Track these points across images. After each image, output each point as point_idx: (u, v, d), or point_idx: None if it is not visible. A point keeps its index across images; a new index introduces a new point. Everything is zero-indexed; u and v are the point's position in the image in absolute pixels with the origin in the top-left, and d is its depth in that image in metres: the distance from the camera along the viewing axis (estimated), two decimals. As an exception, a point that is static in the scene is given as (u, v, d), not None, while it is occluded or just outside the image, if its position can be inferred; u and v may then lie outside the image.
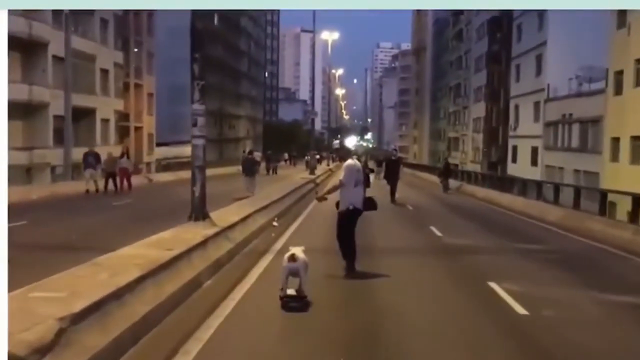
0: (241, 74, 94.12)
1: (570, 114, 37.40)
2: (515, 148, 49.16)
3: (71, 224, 15.00)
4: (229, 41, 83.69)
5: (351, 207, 9.38)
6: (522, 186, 26.63)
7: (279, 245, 11.90)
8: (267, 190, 23.43)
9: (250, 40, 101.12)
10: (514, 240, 15.06)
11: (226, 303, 7.21)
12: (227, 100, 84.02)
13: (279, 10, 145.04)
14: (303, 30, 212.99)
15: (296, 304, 7.21)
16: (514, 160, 48.96)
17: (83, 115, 38.91)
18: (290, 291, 7.28)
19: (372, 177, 22.84)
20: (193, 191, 10.87)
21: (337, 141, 41.32)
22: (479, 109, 64.10)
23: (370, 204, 9.86)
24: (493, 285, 8.84)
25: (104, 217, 16.95)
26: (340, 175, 9.71)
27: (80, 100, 36.90)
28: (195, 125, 11.12)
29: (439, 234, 15.11)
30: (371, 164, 43.50)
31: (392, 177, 24.58)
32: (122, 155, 27.02)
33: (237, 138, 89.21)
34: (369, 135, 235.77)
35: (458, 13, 76.21)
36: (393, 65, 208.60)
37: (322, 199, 10.45)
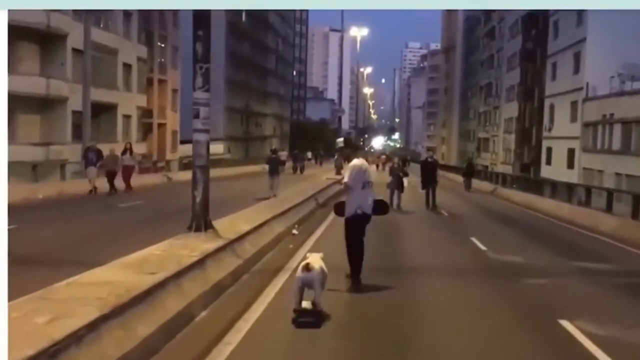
0: (268, 72, 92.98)
1: (612, 114, 35.40)
2: (549, 149, 47.15)
3: (65, 229, 13.69)
4: (256, 38, 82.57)
5: (359, 212, 8.45)
6: (567, 190, 24.92)
7: (296, 259, 10.43)
8: (291, 191, 22.39)
9: (278, 38, 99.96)
10: (573, 258, 12.76)
11: (219, 350, 5.52)
12: (253, 98, 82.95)
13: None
14: (332, 30, 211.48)
15: (309, 319, 6.49)
16: (548, 162, 46.94)
17: (104, 111, 37.92)
18: (306, 304, 6.60)
19: (405, 181, 21.20)
20: (194, 196, 9.39)
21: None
22: (510, 109, 62.05)
23: (379, 207, 8.98)
24: (565, 324, 6.88)
25: (103, 222, 15.42)
26: (345, 177, 8.74)
27: (101, 95, 35.91)
28: (197, 116, 9.49)
29: (482, 247, 13.21)
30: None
31: (429, 181, 22.28)
32: (124, 152, 25.08)
33: (264, 136, 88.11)
34: (396, 136, 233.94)
35: (489, 11, 74.08)
36: (422, 65, 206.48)
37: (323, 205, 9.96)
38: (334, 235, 11.66)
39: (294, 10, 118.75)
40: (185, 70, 62.83)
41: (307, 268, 6.61)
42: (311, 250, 11.30)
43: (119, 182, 23.98)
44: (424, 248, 13.30)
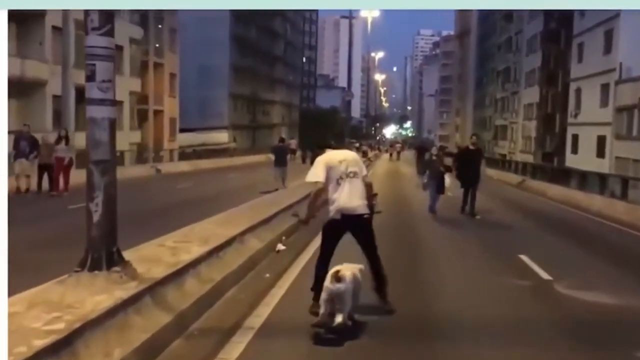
0: (277, 58, 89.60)
1: (650, 97, 31.99)
2: (575, 137, 43.62)
3: None
4: (263, 23, 79.14)
5: (337, 217, 6.40)
6: (605, 183, 21.48)
7: (273, 298, 7.22)
8: (298, 183, 19.29)
9: (287, 23, 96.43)
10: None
11: None
12: (261, 85, 79.74)
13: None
14: (343, 17, 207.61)
15: (333, 336, 5.68)
16: (574, 151, 43.43)
17: (92, 97, 34.84)
18: (339, 319, 5.67)
19: (447, 178, 16.28)
20: (89, 212, 5.57)
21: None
22: (531, 95, 58.53)
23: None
24: None
25: (32, 233, 11.20)
26: (311, 176, 6.59)
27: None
28: (91, 77, 5.62)
29: (543, 274, 9.11)
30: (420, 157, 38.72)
31: (469, 177, 16.14)
32: (58, 141, 19.53)
33: (271, 124, 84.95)
34: (408, 124, 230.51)
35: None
36: (434, 52, 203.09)
37: (305, 222, 6.98)
38: (340, 250, 6.92)
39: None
40: (188, 57, 60.05)
41: (337, 278, 5.78)
42: (298, 282, 8.18)
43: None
44: (455, 275, 9.10)
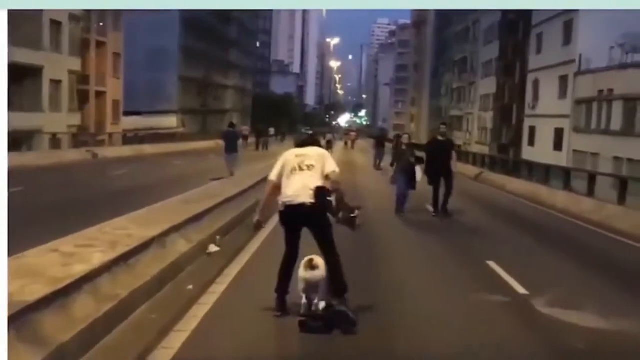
0: (230, 41, 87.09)
1: (611, 90, 31.11)
2: (532, 129, 42.86)
3: None
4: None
5: (282, 209, 6.05)
6: (565, 176, 20.32)
7: (187, 329, 5.58)
8: (248, 171, 18.43)
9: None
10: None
11: None
12: (213, 69, 77.35)
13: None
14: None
15: (317, 323, 5.52)
16: (531, 143, 42.68)
17: (26, 75, 32.49)
18: (322, 305, 5.65)
19: (419, 171, 14.12)
20: None
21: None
22: (487, 85, 57.69)
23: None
24: None
25: None
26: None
27: (22, 55, 30.49)
28: None
29: (517, 286, 7.70)
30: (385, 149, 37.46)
31: (438, 172, 14.25)
32: None
33: (223, 110, 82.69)
34: (362, 113, 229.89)
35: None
36: (390, 41, 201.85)
37: (258, 226, 6.84)
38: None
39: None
40: (136, 37, 57.43)
41: (311, 266, 5.68)
42: (229, 293, 6.65)
43: None
44: (417, 290, 7.63)
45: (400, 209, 14.12)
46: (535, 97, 42.71)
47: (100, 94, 43.24)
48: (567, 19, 36.95)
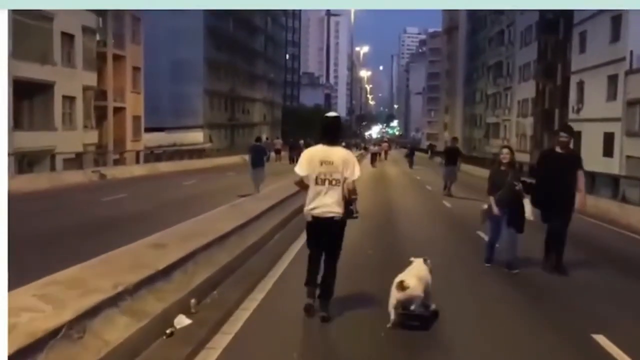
0: (257, 53, 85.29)
1: (670, 88, 28.15)
2: (578, 134, 39.74)
3: None
4: (240, 15, 74.82)
5: (309, 219, 6.61)
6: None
7: None
8: (273, 187, 16.90)
9: (267, 17, 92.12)
10: None
11: None
12: (240, 82, 75.50)
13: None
14: (329, 15, 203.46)
15: (415, 322, 6.13)
16: (577, 150, 39.60)
17: (36, 92, 30.76)
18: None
19: (527, 205, 9.31)
20: None
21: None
22: (525, 90, 54.74)
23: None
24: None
25: None
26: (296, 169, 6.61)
27: (31, 70, 28.73)
28: None
29: None
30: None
31: (557, 202, 9.22)
32: None
33: (252, 123, 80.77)
34: (394, 123, 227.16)
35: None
36: (420, 50, 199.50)
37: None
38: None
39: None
40: (160, 50, 55.72)
41: (402, 287, 6.06)
42: None
43: None
44: None
45: (489, 259, 9.69)
46: (580, 100, 39.69)
47: (119, 110, 41.35)
48: (615, 14, 34.03)
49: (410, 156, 50.25)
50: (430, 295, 6.32)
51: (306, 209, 6.56)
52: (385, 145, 67.02)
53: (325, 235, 6.52)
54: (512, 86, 60.73)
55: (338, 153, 6.42)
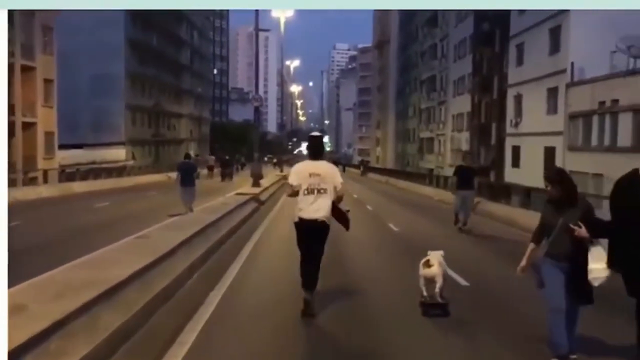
0: (182, 67, 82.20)
1: (615, 100, 26.94)
2: (516, 149, 38.62)
3: None
4: (165, 27, 71.68)
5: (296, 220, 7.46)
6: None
7: None
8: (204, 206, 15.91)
9: (194, 30, 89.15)
10: None
11: None
12: (165, 96, 72.30)
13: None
14: (258, 30, 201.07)
15: (437, 310, 7.34)
16: (516, 164, 38.43)
17: None
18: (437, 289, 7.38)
19: (598, 258, 5.65)
20: None
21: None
22: (460, 104, 53.73)
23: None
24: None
25: None
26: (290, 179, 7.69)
27: None
28: None
29: None
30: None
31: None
32: None
33: (178, 139, 77.63)
34: (325, 139, 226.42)
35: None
36: (350, 65, 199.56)
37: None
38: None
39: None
40: (78, 63, 52.20)
41: (428, 264, 7.45)
42: None
43: None
44: None
45: (561, 346, 5.69)
46: (518, 113, 38.57)
47: (29, 125, 37.69)
48: (553, 25, 32.99)
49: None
50: (447, 282, 7.56)
51: (297, 214, 7.33)
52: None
53: (313, 236, 7.35)
54: (446, 100, 59.78)
55: (323, 166, 7.51)
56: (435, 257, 7.42)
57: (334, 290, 8.63)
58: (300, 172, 7.45)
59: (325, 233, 7.41)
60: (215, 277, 9.28)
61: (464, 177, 17.58)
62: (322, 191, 7.27)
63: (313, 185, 7.27)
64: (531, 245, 6.06)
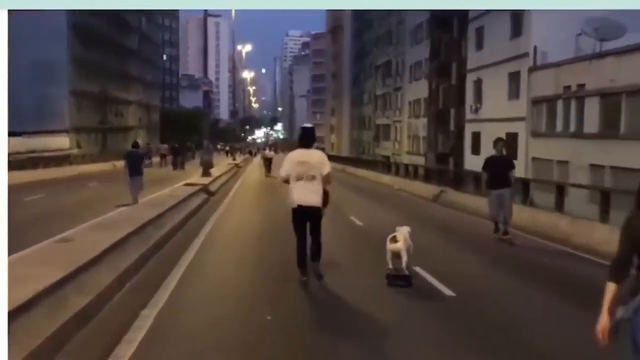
0: (130, 53, 79.18)
1: (581, 85, 26.00)
2: (476, 135, 37.64)
3: None
4: (111, 11, 68.65)
5: (294, 206, 8.23)
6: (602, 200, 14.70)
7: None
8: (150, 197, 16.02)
9: (142, 15, 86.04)
10: None
11: None
12: (112, 83, 69.41)
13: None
14: (208, 15, 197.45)
15: (400, 281, 8.03)
16: (476, 151, 37.40)
17: None
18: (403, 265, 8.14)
19: None
20: None
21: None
22: (417, 90, 52.63)
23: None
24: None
25: None
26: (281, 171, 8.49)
27: None
28: None
29: None
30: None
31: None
32: None
33: (126, 127, 74.95)
34: (278, 126, 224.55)
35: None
36: (304, 52, 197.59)
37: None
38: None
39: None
40: (19, 50, 49.27)
41: (395, 240, 8.15)
42: None
43: None
44: None
45: None
46: (478, 99, 37.61)
47: (-39, 113, 35.17)
48: (514, 8, 31.99)
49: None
50: (411, 255, 8.31)
51: (291, 199, 8.17)
52: (270, 153, 55.16)
53: (307, 218, 8.19)
54: (402, 86, 58.64)
55: (313, 155, 8.31)
56: (402, 233, 8.19)
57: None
58: (292, 160, 8.24)
59: (318, 217, 8.24)
60: (150, 291, 7.67)
61: (498, 172, 13.37)
62: (310, 177, 8.03)
63: (301, 172, 8.05)
64: (610, 287, 3.57)
